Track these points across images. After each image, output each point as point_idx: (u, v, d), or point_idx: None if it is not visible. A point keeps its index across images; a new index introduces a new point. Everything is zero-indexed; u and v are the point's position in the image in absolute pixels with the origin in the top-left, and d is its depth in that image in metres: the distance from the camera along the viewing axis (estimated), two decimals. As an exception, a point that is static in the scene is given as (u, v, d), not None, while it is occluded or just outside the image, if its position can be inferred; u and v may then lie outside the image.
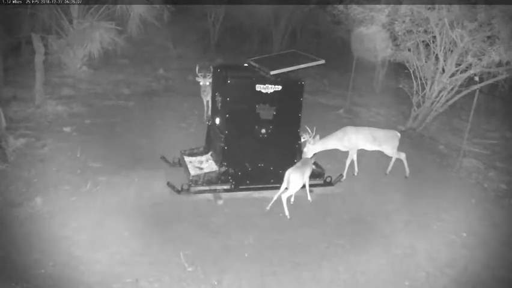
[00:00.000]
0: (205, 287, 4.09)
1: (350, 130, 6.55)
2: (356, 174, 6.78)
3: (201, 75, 8.29)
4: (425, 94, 9.21)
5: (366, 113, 10.68)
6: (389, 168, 6.89)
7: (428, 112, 9.25)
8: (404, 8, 8.50)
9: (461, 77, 8.73)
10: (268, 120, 5.67)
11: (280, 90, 5.58)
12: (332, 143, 6.48)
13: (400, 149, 6.82)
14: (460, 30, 8.07)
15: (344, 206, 5.83)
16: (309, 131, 6.15)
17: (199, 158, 6.33)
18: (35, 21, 10.81)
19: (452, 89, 8.92)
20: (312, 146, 6.14)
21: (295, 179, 5.29)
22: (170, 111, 9.39)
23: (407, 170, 6.83)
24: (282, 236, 5.00)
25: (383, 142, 6.59)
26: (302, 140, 6.12)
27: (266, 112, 5.63)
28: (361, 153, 6.93)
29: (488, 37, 8.00)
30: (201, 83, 8.38)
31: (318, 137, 6.20)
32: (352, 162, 6.70)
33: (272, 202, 5.45)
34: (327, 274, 4.40)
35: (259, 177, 5.87)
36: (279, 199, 5.40)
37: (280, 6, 16.56)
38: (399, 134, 6.77)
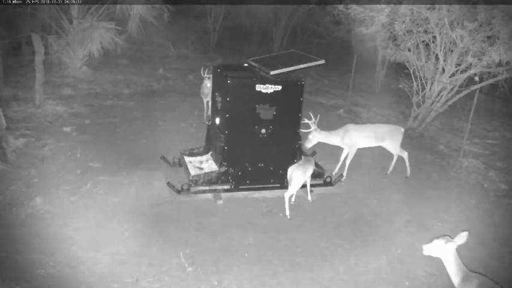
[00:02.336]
0: (205, 287, 4.09)
1: (351, 128, 6.55)
2: (344, 175, 6.62)
3: (208, 77, 8.15)
4: (425, 94, 9.21)
5: (366, 113, 10.69)
6: (390, 168, 6.89)
7: (428, 112, 9.25)
8: (404, 8, 8.50)
9: (461, 77, 8.73)
10: (268, 120, 5.67)
11: (280, 90, 5.58)
12: (333, 138, 6.48)
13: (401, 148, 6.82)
14: (460, 30, 8.07)
15: (344, 206, 5.83)
16: (313, 117, 6.19)
17: (199, 158, 6.33)
18: (35, 21, 10.81)
19: (452, 89, 8.92)
20: (318, 135, 6.24)
21: (297, 176, 5.30)
22: (170, 111, 9.39)
23: (409, 170, 6.83)
24: (282, 236, 5.00)
25: (387, 136, 6.57)
26: (311, 128, 6.20)
27: (266, 112, 5.63)
28: (361, 153, 6.92)
29: (488, 37, 8.00)
30: (208, 85, 8.21)
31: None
32: (347, 161, 6.63)
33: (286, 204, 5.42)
34: (327, 274, 4.40)
35: (259, 177, 5.87)
36: (281, 199, 5.41)
37: (280, 6, 16.57)
38: (403, 129, 6.79)
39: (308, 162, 5.61)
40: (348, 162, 6.60)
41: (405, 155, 6.77)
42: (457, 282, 3.45)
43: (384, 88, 12.92)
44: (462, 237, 3.41)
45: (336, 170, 6.72)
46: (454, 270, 3.45)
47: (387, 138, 6.59)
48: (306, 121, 6.17)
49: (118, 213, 5.16)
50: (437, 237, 3.48)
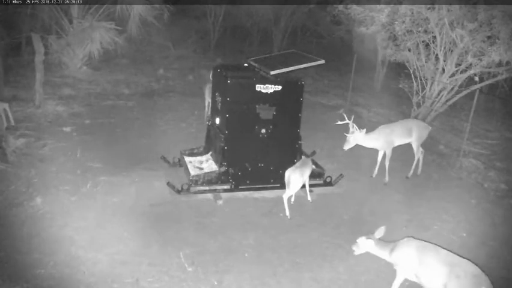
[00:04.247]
0: (205, 287, 4.09)
1: (385, 128, 6.53)
2: (374, 176, 6.78)
3: None
4: (425, 94, 9.21)
5: (367, 113, 10.68)
6: (419, 169, 6.95)
7: (428, 112, 9.25)
8: (404, 8, 8.50)
9: (461, 77, 8.73)
10: (268, 120, 5.68)
11: (280, 90, 5.58)
12: (370, 141, 6.42)
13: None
14: (460, 30, 8.07)
15: (344, 206, 5.83)
16: (346, 118, 6.23)
17: (199, 158, 6.33)
18: (35, 21, 10.81)
19: (452, 89, 8.92)
20: (361, 137, 6.20)
21: (294, 179, 5.30)
22: (170, 111, 9.39)
23: (412, 171, 6.87)
24: (282, 236, 5.00)
25: (416, 131, 6.63)
26: (351, 131, 6.16)
27: (266, 112, 5.63)
28: (361, 153, 6.93)
29: (488, 37, 8.00)
30: None
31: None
32: (387, 163, 6.58)
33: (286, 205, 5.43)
34: (327, 274, 4.40)
35: (259, 177, 5.88)
36: (281, 199, 5.41)
37: (280, 6, 16.55)
38: (430, 128, 6.94)
39: (305, 165, 5.60)
40: (387, 163, 6.54)
41: (420, 154, 6.83)
42: (389, 256, 3.98)
43: (384, 88, 12.90)
44: (380, 232, 4.06)
45: (375, 172, 6.77)
46: (382, 255, 4.06)
47: (416, 132, 6.63)
48: (340, 122, 6.23)
49: (118, 213, 5.16)
50: (360, 237, 4.11)
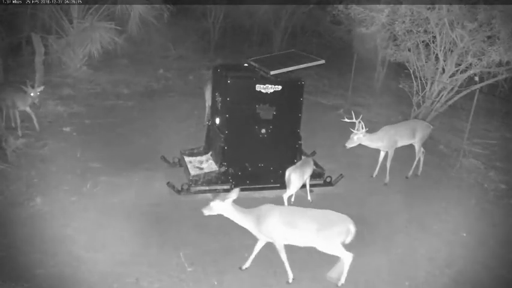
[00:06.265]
0: (205, 287, 4.09)
1: (389, 129, 6.53)
2: (374, 176, 6.79)
3: None
4: (425, 94, 9.21)
5: (366, 113, 10.64)
6: (419, 169, 6.97)
7: (428, 112, 9.25)
8: (404, 8, 8.50)
9: (461, 77, 8.74)
10: (268, 120, 5.67)
11: (280, 90, 5.58)
12: (375, 142, 6.41)
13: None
14: (460, 30, 8.07)
15: (344, 206, 5.81)
16: (354, 117, 6.19)
17: (199, 158, 6.33)
18: (35, 21, 10.81)
19: (452, 89, 8.93)
20: (363, 137, 6.17)
21: (295, 179, 5.30)
22: (170, 112, 9.38)
23: (412, 171, 6.87)
24: (282, 236, 5.00)
25: (419, 131, 6.66)
26: (357, 130, 6.11)
27: (266, 112, 5.63)
28: (361, 152, 6.93)
29: (488, 37, 8.01)
30: None
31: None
32: (388, 164, 6.59)
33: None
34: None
35: (259, 177, 5.87)
36: (281, 199, 5.40)
37: (280, 6, 16.55)
38: (432, 127, 6.97)
39: (306, 164, 5.60)
40: (389, 163, 6.57)
41: (421, 153, 6.85)
42: (252, 224, 4.11)
43: (384, 88, 12.90)
44: (235, 193, 4.12)
45: (376, 172, 6.78)
46: (239, 219, 4.16)
47: (419, 132, 6.66)
48: (347, 120, 6.22)
49: (118, 214, 5.16)
50: (213, 200, 4.11)
